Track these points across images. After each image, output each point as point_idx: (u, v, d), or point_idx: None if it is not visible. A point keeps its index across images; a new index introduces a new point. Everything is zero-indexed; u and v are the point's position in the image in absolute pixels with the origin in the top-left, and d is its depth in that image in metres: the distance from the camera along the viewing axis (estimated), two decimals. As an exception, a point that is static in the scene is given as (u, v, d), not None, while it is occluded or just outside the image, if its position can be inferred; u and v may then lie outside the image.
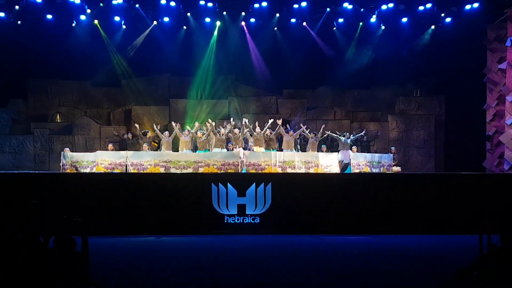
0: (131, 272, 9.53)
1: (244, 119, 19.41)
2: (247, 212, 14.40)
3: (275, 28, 22.90)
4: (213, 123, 18.25)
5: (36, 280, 6.62)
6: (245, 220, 14.36)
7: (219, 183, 14.40)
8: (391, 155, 18.44)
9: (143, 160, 16.28)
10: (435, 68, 23.04)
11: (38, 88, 22.86)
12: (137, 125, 18.70)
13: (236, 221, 14.37)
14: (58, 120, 22.32)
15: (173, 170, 16.02)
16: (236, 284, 8.58)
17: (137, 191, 14.36)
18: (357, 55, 23.13)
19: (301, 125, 19.45)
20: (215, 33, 22.55)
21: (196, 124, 18.60)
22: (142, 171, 16.04)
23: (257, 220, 14.38)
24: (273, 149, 17.88)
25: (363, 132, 19.62)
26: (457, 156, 21.63)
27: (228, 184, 14.40)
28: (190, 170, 16.14)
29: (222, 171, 16.03)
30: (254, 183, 14.45)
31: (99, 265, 9.16)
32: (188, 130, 18.06)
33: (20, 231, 7.38)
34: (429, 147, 22.30)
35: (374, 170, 17.44)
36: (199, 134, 17.67)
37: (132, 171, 16.07)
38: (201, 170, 16.03)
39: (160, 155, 16.51)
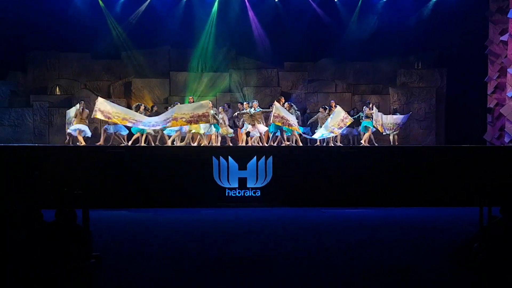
0: (132, 244, 9.60)
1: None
2: (248, 185, 14.45)
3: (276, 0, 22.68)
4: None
5: (37, 254, 6.64)
6: (246, 193, 14.43)
7: (220, 156, 14.42)
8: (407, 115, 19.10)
9: (111, 110, 15.94)
10: (437, 40, 22.80)
11: (38, 61, 22.62)
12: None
13: (237, 194, 14.43)
14: (58, 93, 22.15)
15: (140, 126, 16.11)
16: (236, 256, 8.62)
17: (138, 164, 14.41)
18: (359, 27, 22.84)
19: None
20: (216, 4, 22.28)
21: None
22: (108, 119, 15.94)
23: (258, 193, 14.44)
24: None
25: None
26: (458, 129, 21.56)
27: (229, 157, 14.42)
28: (158, 128, 16.20)
29: (192, 124, 15.66)
30: (255, 156, 14.47)
31: (100, 238, 9.18)
32: None
33: (21, 205, 7.37)
34: (430, 119, 22.18)
35: (387, 132, 18.18)
36: None
37: (98, 117, 16.02)
38: (169, 125, 15.72)
39: (133, 114, 16.25)
